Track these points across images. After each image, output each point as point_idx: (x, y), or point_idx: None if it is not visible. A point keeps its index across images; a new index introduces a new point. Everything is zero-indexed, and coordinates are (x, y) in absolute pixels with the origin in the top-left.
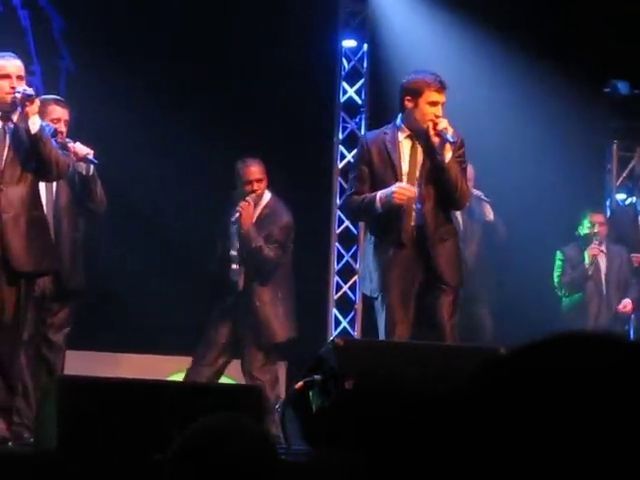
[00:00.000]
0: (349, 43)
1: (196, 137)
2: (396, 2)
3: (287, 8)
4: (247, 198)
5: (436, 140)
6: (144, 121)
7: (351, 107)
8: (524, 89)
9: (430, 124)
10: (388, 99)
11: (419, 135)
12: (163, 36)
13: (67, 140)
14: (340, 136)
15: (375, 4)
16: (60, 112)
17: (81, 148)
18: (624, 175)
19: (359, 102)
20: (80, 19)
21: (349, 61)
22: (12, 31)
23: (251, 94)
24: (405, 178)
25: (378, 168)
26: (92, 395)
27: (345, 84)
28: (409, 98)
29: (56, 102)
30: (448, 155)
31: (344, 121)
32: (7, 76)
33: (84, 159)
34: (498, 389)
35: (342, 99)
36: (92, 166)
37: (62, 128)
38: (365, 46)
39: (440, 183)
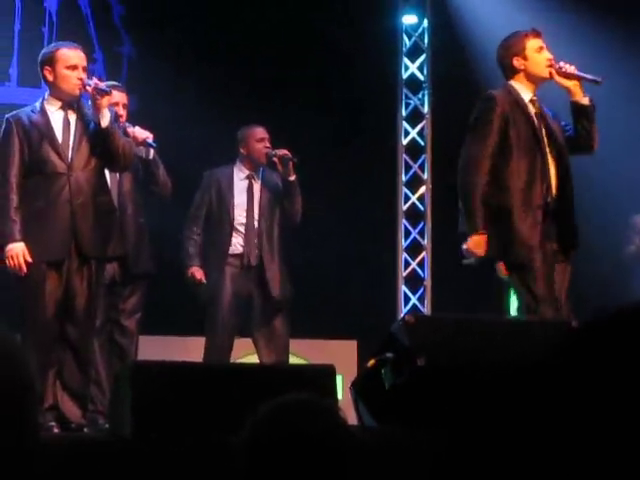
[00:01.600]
0: (409, 19)
1: (252, 116)
2: None
3: None
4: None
5: (570, 84)
6: (205, 107)
7: (413, 83)
8: (603, 64)
9: (552, 70)
10: (450, 74)
11: (539, 85)
12: (221, 19)
13: (127, 124)
14: (403, 112)
15: None
16: (118, 96)
17: (140, 132)
18: None
19: (421, 78)
20: (139, 4)
21: (410, 37)
22: (73, 19)
23: (313, 74)
24: (546, 140)
25: (518, 125)
26: (165, 380)
27: (407, 60)
28: (517, 58)
29: (113, 87)
30: (585, 99)
31: (407, 97)
32: (74, 67)
33: (144, 143)
34: (579, 362)
35: (404, 76)
36: (152, 150)
37: (121, 111)
38: (425, 22)
39: (584, 125)
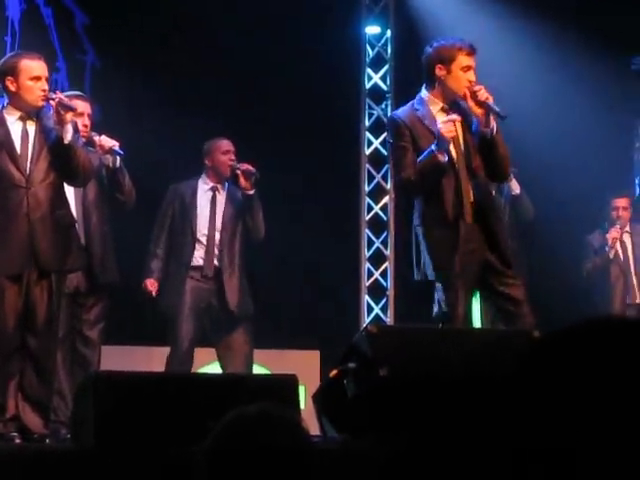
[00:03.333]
0: (372, 29)
1: (218, 128)
2: None
3: None
4: None
5: (479, 111)
6: (167, 115)
7: (376, 93)
8: (551, 68)
9: (467, 92)
10: (413, 84)
11: (456, 106)
12: (185, 27)
13: (92, 134)
14: (367, 122)
15: None
16: (82, 106)
17: (107, 141)
18: None
19: (384, 88)
20: (103, 14)
21: (373, 47)
22: (36, 28)
23: (275, 83)
24: (454, 153)
25: (422, 145)
26: (127, 390)
27: (370, 70)
28: (440, 66)
29: (77, 97)
30: (494, 126)
31: (370, 107)
32: (38, 78)
33: (110, 151)
34: (545, 374)
35: (367, 85)
36: (118, 158)
37: (86, 121)
38: (388, 32)
39: (487, 156)
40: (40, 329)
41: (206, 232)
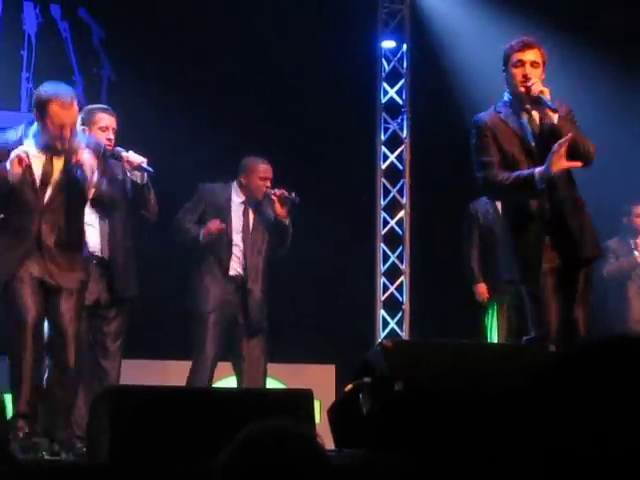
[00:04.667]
0: (388, 44)
1: (233, 142)
2: (434, 1)
3: (325, 10)
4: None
5: (532, 110)
6: (184, 127)
7: (392, 108)
8: (569, 79)
9: (522, 88)
10: (429, 98)
11: (518, 102)
12: (202, 41)
13: (119, 149)
14: (382, 137)
15: (413, 4)
16: (107, 120)
17: (135, 157)
18: None
19: (400, 102)
20: (119, 28)
21: (389, 62)
22: (53, 42)
23: (292, 98)
24: (535, 154)
25: (506, 146)
26: (144, 404)
27: (386, 85)
28: (503, 69)
29: (103, 110)
30: (554, 117)
31: (385, 122)
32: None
33: (139, 167)
34: (560, 390)
35: (383, 100)
36: (146, 175)
37: (110, 136)
38: (404, 46)
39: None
40: (65, 339)
41: (239, 243)
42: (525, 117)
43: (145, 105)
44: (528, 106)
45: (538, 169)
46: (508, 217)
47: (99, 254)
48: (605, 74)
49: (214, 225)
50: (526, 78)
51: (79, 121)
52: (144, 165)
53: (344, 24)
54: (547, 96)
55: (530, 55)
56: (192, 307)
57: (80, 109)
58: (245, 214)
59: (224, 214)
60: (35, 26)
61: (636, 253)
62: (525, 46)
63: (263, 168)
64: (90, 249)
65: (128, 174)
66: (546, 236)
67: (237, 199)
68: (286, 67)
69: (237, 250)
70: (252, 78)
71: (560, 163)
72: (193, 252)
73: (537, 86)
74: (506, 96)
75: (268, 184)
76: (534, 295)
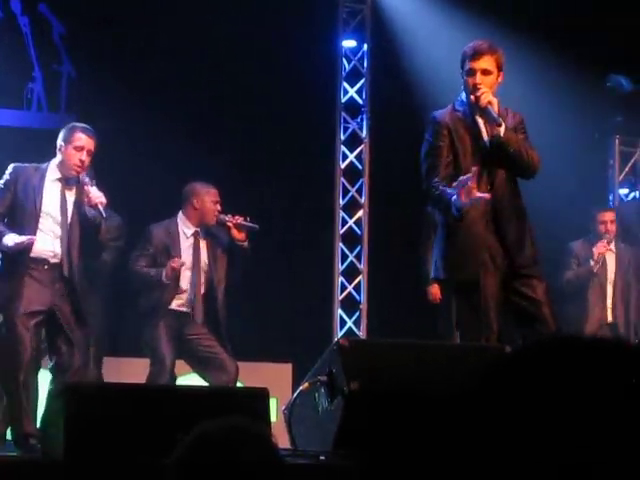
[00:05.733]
0: (349, 43)
1: (192, 139)
2: (395, 1)
3: (286, 9)
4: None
5: (482, 118)
6: (144, 125)
7: (352, 107)
8: (526, 84)
9: (472, 97)
10: (389, 98)
11: (481, 112)
12: (162, 39)
13: (86, 180)
14: (342, 136)
15: (374, 4)
16: (85, 141)
17: (95, 194)
18: (626, 170)
19: (360, 102)
20: (79, 24)
21: (349, 61)
22: (12, 37)
23: (251, 96)
24: (486, 153)
25: (462, 143)
26: (98, 401)
27: (346, 84)
28: (461, 72)
29: (83, 130)
30: (501, 129)
31: (345, 121)
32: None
33: (95, 207)
34: (504, 390)
35: (343, 99)
36: (100, 217)
37: (83, 157)
38: (365, 46)
39: (503, 159)
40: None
41: (188, 280)
42: (481, 120)
43: (104, 102)
44: (478, 115)
45: (453, 198)
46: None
47: (52, 260)
48: (562, 75)
49: (175, 263)
50: (476, 88)
51: (60, 135)
52: (100, 208)
53: (305, 23)
54: (495, 107)
55: (481, 63)
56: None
57: (40, 108)
58: (196, 250)
59: (175, 251)
60: None
61: (591, 262)
62: (476, 53)
63: (213, 191)
64: (41, 254)
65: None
66: (484, 239)
67: (188, 231)
68: (245, 65)
69: (185, 286)
70: (210, 75)
71: (471, 194)
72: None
73: (485, 97)
74: (464, 95)
75: (219, 208)
76: (466, 295)
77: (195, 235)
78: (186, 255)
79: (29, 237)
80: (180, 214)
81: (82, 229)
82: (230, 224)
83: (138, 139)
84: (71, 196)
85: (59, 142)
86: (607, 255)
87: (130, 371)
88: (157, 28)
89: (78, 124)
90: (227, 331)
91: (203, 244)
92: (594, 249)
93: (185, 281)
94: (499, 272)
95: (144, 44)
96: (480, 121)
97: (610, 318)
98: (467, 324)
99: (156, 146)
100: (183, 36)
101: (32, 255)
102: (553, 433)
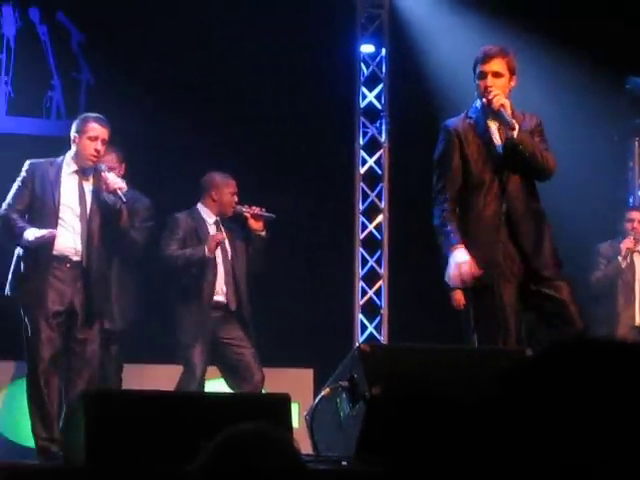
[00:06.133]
0: (367, 48)
1: (211, 146)
2: (413, 6)
3: (304, 15)
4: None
5: (496, 121)
6: (163, 132)
7: (371, 112)
8: (544, 87)
9: (485, 100)
10: (408, 103)
11: (494, 115)
12: (182, 44)
13: (102, 167)
14: (361, 141)
15: (392, 8)
16: (99, 130)
17: (114, 180)
18: None
19: (379, 107)
20: (98, 32)
21: (368, 66)
22: (32, 46)
23: (271, 101)
24: (500, 159)
25: (474, 153)
26: (119, 408)
27: (364, 89)
28: (474, 77)
29: (96, 120)
30: (514, 132)
31: (364, 126)
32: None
33: (114, 192)
34: (527, 394)
35: (362, 104)
36: (120, 202)
37: (98, 147)
38: (383, 51)
39: (519, 159)
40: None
41: (220, 266)
42: (494, 125)
43: (124, 109)
44: (491, 118)
45: (455, 248)
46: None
47: (74, 257)
48: (581, 78)
49: (218, 237)
50: (487, 90)
51: (73, 126)
52: (119, 192)
53: (323, 28)
54: (507, 110)
55: (492, 66)
56: (177, 341)
57: (59, 116)
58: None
59: (204, 234)
60: (14, 30)
61: (619, 258)
62: (487, 57)
63: (232, 183)
64: (63, 251)
65: (103, 193)
66: (498, 244)
67: (210, 219)
68: (265, 71)
69: (222, 275)
70: (232, 82)
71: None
72: (172, 282)
73: (498, 99)
74: (478, 102)
75: (236, 199)
76: (483, 300)
77: (217, 224)
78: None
79: (50, 230)
80: (199, 204)
81: (102, 218)
82: (248, 214)
83: (157, 147)
84: (89, 186)
85: (72, 134)
86: (635, 257)
87: (151, 378)
88: (177, 36)
89: (90, 114)
90: (254, 328)
91: (225, 234)
92: (621, 245)
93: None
94: (516, 278)
95: (163, 50)
96: (493, 126)
97: (638, 321)
98: (484, 328)
99: (178, 152)
100: (203, 43)
101: (54, 253)
102: (577, 437)
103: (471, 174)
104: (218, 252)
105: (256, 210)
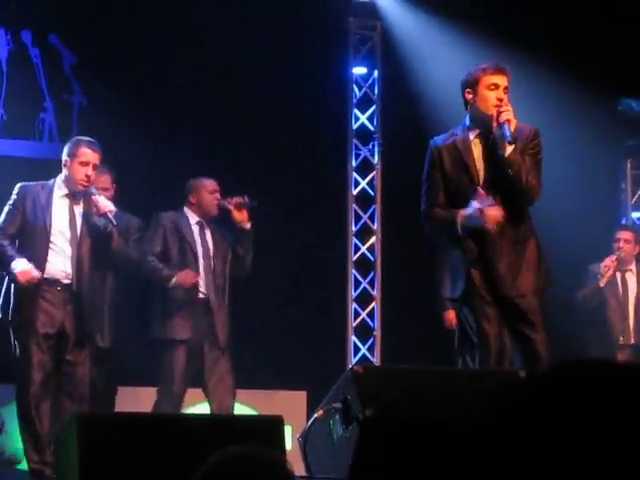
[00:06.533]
0: (359, 70)
1: (204, 168)
2: (404, 28)
3: (297, 36)
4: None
5: (497, 132)
6: (156, 153)
7: (364, 134)
8: (537, 109)
9: (494, 111)
10: (400, 124)
11: (484, 125)
12: (173, 68)
13: (93, 191)
14: (353, 163)
15: (384, 31)
16: (90, 156)
17: (104, 204)
18: (639, 193)
19: (371, 129)
20: (90, 54)
21: (360, 88)
22: (24, 68)
23: (263, 124)
24: (481, 177)
25: (451, 173)
26: (111, 430)
27: (357, 111)
28: (469, 90)
29: (88, 145)
30: (508, 149)
31: (357, 148)
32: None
33: (105, 215)
34: (518, 417)
35: (354, 126)
36: (110, 225)
37: (89, 172)
38: (375, 72)
39: (504, 179)
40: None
41: (202, 264)
42: (479, 143)
43: (117, 130)
44: (491, 130)
45: (461, 214)
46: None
47: (65, 280)
48: (573, 99)
49: (187, 279)
50: (501, 102)
51: (65, 149)
52: (110, 215)
53: (315, 50)
54: (512, 127)
55: (504, 80)
56: (160, 335)
57: (52, 138)
58: (203, 235)
59: (187, 240)
60: (6, 52)
61: (598, 276)
62: (499, 71)
63: (209, 182)
64: (54, 275)
65: (93, 217)
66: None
67: (192, 220)
68: (257, 93)
69: (203, 273)
70: (224, 105)
71: (498, 219)
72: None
73: (507, 114)
74: (467, 120)
75: (218, 196)
76: (463, 318)
77: (200, 224)
78: (197, 241)
79: (34, 276)
80: (184, 208)
81: (93, 241)
82: (231, 207)
83: (150, 168)
84: (79, 209)
85: (64, 157)
86: (628, 276)
87: (131, 401)
88: (169, 57)
89: (83, 138)
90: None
91: (209, 234)
92: (601, 264)
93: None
94: (492, 296)
95: (156, 73)
96: (484, 140)
97: (632, 340)
98: (464, 346)
99: (168, 174)
100: (196, 67)
101: (46, 276)
102: (569, 459)
103: (452, 191)
104: (200, 253)
105: (238, 199)
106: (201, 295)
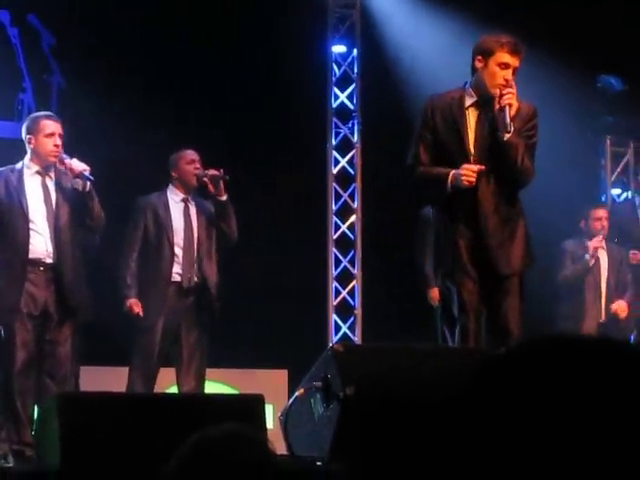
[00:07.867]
0: (339, 48)
1: (185, 144)
2: (384, 6)
3: (276, 15)
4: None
5: (498, 115)
6: (135, 134)
7: (343, 112)
8: (518, 85)
9: (498, 91)
10: (380, 103)
11: (485, 102)
12: (153, 47)
13: (64, 156)
14: (333, 142)
15: (363, 8)
16: (53, 126)
17: (77, 164)
18: (618, 170)
19: (351, 107)
20: (69, 34)
21: (339, 66)
22: (2, 48)
23: (242, 102)
24: (472, 149)
25: (442, 137)
26: (93, 410)
27: (336, 89)
28: (480, 58)
29: (47, 117)
30: (505, 135)
31: (336, 127)
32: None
33: (80, 175)
34: (495, 392)
35: (334, 105)
36: (89, 183)
37: (57, 142)
38: (355, 51)
39: (500, 159)
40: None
41: (182, 245)
42: (475, 111)
43: (95, 112)
44: (490, 106)
45: (453, 172)
46: (436, 217)
47: (47, 260)
48: (553, 76)
49: (133, 308)
50: (508, 84)
51: (24, 130)
52: (86, 173)
53: (294, 29)
54: (512, 110)
55: (516, 61)
56: (142, 323)
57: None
58: (187, 213)
59: (165, 224)
60: None
61: (587, 257)
62: (516, 51)
63: (188, 153)
64: (37, 255)
65: (70, 182)
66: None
67: (176, 198)
68: (237, 72)
69: (181, 253)
70: (202, 83)
71: (469, 176)
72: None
73: (509, 98)
74: (468, 84)
75: (197, 166)
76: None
77: (185, 201)
78: (177, 220)
79: None
80: (169, 186)
81: (71, 210)
82: (206, 180)
83: (129, 147)
84: (51, 183)
85: (27, 136)
86: (600, 253)
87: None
88: (148, 38)
89: (39, 113)
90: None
91: (193, 211)
92: (589, 243)
93: (178, 248)
94: (477, 273)
95: (135, 53)
96: (479, 113)
97: (604, 317)
98: (444, 322)
99: (148, 154)
100: (173, 45)
101: (30, 257)
102: (545, 435)
103: (439, 154)
104: (180, 233)
105: (214, 172)
106: (177, 278)
